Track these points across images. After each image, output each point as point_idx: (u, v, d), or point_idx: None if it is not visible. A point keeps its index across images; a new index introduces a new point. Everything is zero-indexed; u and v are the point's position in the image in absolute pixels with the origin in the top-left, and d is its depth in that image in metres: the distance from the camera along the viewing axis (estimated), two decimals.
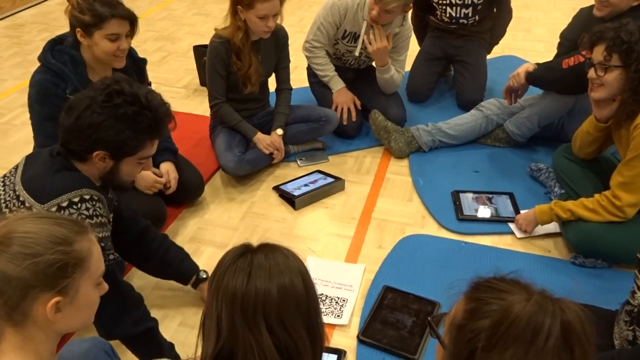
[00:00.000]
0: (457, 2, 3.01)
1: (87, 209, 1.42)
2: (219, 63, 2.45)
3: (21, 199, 1.42)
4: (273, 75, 2.70)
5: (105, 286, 1.09)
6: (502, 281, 0.86)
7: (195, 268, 1.93)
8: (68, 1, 1.95)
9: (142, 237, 1.84)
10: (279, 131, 2.62)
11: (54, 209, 1.39)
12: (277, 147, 2.59)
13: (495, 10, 3.12)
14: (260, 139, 2.57)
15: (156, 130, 1.51)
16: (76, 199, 1.41)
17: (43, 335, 0.98)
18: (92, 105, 1.41)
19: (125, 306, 1.54)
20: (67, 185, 1.42)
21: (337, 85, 2.80)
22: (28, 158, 1.55)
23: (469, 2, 2.99)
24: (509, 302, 0.80)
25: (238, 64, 2.45)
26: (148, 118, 1.46)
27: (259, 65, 2.50)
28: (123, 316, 1.53)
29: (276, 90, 2.73)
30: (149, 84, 2.28)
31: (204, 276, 1.92)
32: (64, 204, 1.40)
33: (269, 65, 2.62)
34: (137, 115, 1.44)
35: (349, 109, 2.79)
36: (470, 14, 3.04)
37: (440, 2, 3.05)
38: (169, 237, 1.94)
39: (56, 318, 0.96)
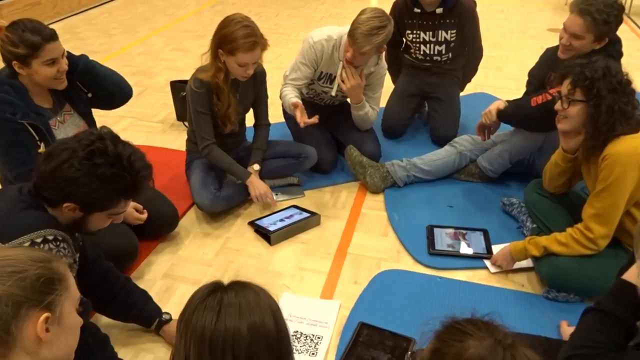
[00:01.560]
0: (431, 39, 3.09)
1: (50, 249, 1.39)
2: (203, 104, 2.43)
3: None
4: (250, 110, 2.71)
5: (80, 319, 1.09)
6: (471, 323, 0.87)
7: (157, 311, 1.90)
8: None
9: (105, 279, 1.80)
10: (256, 167, 2.62)
11: None
12: (269, 199, 2.53)
13: (466, 48, 3.21)
14: (255, 185, 2.51)
15: (132, 192, 1.51)
16: (39, 240, 1.38)
17: None
18: (71, 159, 1.40)
19: (90, 348, 1.50)
20: (30, 225, 1.39)
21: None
22: None
23: (442, 40, 3.08)
24: (464, 346, 0.82)
25: (218, 104, 2.45)
26: (126, 181, 1.45)
27: (237, 104, 2.51)
28: (88, 358, 1.49)
29: (254, 125, 2.74)
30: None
31: (167, 318, 1.89)
32: (26, 244, 1.37)
33: (246, 103, 2.63)
34: (116, 177, 1.43)
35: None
36: (443, 51, 3.13)
37: (414, 40, 3.13)
38: (131, 280, 1.91)
39: (46, 337, 0.98)
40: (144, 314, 1.88)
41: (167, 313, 1.91)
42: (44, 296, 0.98)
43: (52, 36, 1.94)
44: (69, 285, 1.04)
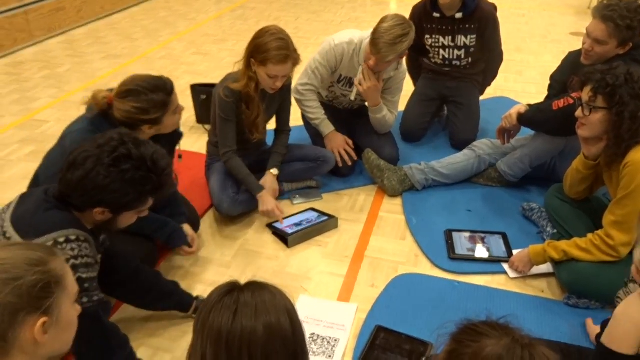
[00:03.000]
0: (450, 44, 3.08)
1: (72, 249, 1.42)
2: (229, 112, 2.43)
3: (7, 235, 1.42)
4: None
5: (78, 308, 1.10)
6: (486, 325, 0.87)
7: (190, 295, 1.98)
8: (110, 105, 1.89)
9: (138, 272, 1.85)
10: (274, 171, 2.63)
11: None
12: (277, 214, 2.48)
13: (487, 53, 3.19)
14: (265, 200, 2.47)
15: (159, 190, 1.54)
16: (61, 239, 1.41)
17: None
18: (97, 167, 1.42)
19: (110, 348, 1.52)
20: (53, 225, 1.42)
21: (328, 128, 2.81)
22: (22, 196, 1.55)
23: (461, 45, 3.07)
24: (481, 345, 0.82)
25: (247, 113, 2.46)
26: (153, 181, 1.49)
27: (264, 113, 2.53)
28: (108, 358, 1.51)
29: (275, 130, 2.75)
30: (180, 156, 2.31)
31: (202, 298, 1.98)
32: (49, 244, 1.39)
33: (272, 111, 2.65)
34: (143, 179, 1.47)
35: (347, 153, 2.79)
36: (462, 56, 3.11)
37: (433, 44, 3.12)
38: (159, 272, 1.97)
39: (43, 340, 0.98)
40: (182, 300, 1.96)
41: (199, 295, 2.00)
42: (41, 302, 0.97)
43: (172, 86, 1.95)
44: (66, 284, 1.04)
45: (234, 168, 2.52)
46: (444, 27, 3.04)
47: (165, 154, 1.56)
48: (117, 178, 1.43)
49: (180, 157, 2.33)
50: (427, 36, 3.10)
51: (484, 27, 3.01)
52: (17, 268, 0.97)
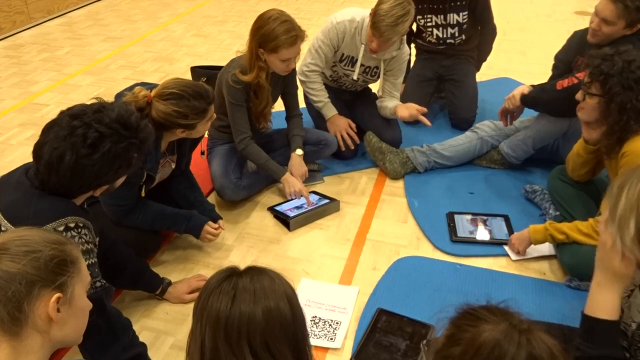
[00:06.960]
0: (442, 22, 3.07)
1: (72, 237, 1.41)
2: (240, 98, 2.41)
3: (3, 228, 1.40)
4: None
5: (90, 303, 1.11)
6: (485, 309, 0.87)
7: (159, 277, 2.00)
8: (149, 103, 1.88)
9: (113, 250, 1.85)
10: (299, 152, 2.62)
11: None
12: (304, 195, 2.51)
13: (479, 28, 3.16)
14: (291, 182, 2.50)
15: (144, 146, 1.55)
16: (61, 228, 1.40)
17: (39, 343, 0.99)
18: (79, 160, 1.40)
19: (114, 332, 1.52)
20: (51, 214, 1.40)
21: (331, 111, 2.80)
22: (1, 182, 1.51)
23: (454, 22, 3.06)
24: (479, 330, 0.81)
25: (255, 102, 2.44)
26: (136, 145, 1.49)
27: (271, 100, 2.52)
28: (111, 342, 1.52)
29: (287, 117, 2.73)
30: (202, 152, 2.35)
31: (168, 281, 2.02)
32: None
33: (276, 96, 2.64)
34: (126, 148, 1.47)
35: (349, 136, 2.78)
36: (456, 34, 3.10)
37: (426, 24, 3.10)
38: (132, 250, 1.97)
39: (57, 317, 1.00)
40: (152, 281, 1.98)
41: (165, 277, 2.02)
42: (56, 277, 1.00)
43: (213, 95, 1.98)
44: (80, 268, 1.06)
45: (252, 155, 2.51)
46: (435, 6, 3.04)
47: (126, 106, 1.55)
48: (104, 160, 1.43)
49: (203, 153, 2.35)
50: (419, 17, 3.10)
51: (475, 2, 3.01)
52: (36, 243, 1.01)
